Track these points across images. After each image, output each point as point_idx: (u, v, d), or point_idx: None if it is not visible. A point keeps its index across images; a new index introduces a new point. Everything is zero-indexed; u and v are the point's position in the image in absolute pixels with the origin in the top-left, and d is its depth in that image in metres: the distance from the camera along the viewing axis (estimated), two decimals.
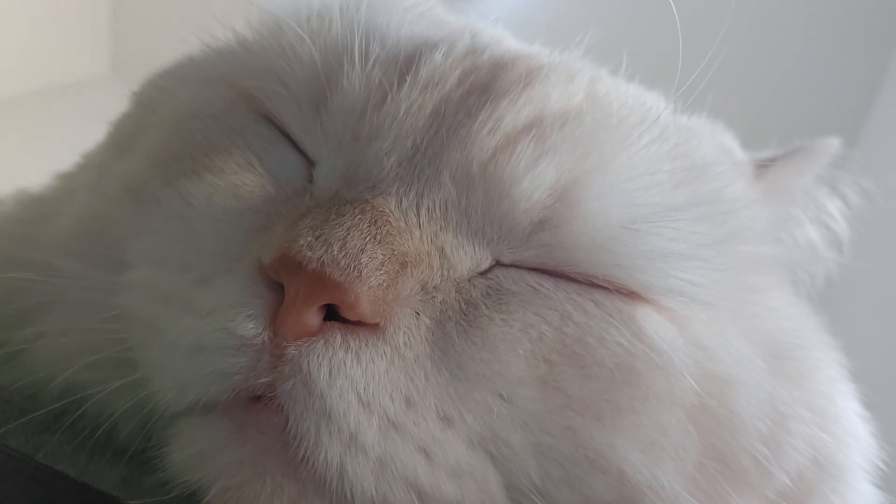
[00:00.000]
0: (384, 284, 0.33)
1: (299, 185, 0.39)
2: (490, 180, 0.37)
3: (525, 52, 0.44)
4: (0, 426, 0.39)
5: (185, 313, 0.35)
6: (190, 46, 0.50)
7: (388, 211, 0.36)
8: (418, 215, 0.36)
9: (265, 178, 0.40)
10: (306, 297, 0.33)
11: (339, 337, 0.33)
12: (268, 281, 0.34)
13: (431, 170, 0.37)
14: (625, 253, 0.36)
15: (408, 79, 0.39)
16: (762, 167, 0.49)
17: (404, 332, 0.34)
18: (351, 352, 0.33)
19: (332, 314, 0.33)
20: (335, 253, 0.33)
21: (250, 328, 0.33)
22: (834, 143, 0.52)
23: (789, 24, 1.97)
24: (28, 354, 0.42)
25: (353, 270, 0.33)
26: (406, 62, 0.40)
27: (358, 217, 0.34)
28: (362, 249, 0.33)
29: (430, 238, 0.36)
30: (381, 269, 0.33)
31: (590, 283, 0.37)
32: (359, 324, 0.33)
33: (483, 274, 0.37)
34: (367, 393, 0.33)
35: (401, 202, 0.36)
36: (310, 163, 0.40)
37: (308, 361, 0.32)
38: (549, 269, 0.37)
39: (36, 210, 0.49)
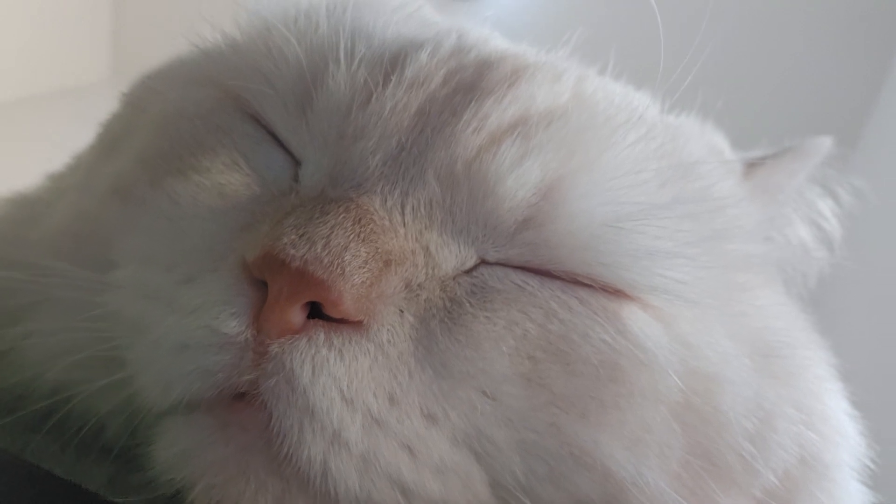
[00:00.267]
0: (368, 282, 0.33)
1: (285, 185, 0.40)
2: (475, 179, 0.37)
3: (512, 52, 0.44)
4: None
5: (169, 312, 0.35)
6: (183, 48, 0.50)
7: (372, 209, 0.36)
8: (403, 214, 0.36)
9: (251, 178, 0.40)
10: (289, 294, 0.33)
11: (322, 334, 0.33)
12: (252, 279, 0.34)
13: (416, 168, 0.37)
14: (609, 251, 0.36)
15: (393, 78, 0.39)
16: (752, 166, 0.49)
17: (388, 330, 0.34)
18: (334, 349, 0.33)
19: (315, 312, 0.33)
20: (318, 251, 0.33)
21: (233, 326, 0.33)
22: (826, 143, 0.51)
23: (790, 25, 1.97)
24: (16, 354, 0.42)
25: (337, 268, 0.33)
26: (391, 62, 0.40)
27: (342, 215, 0.35)
28: (346, 247, 0.33)
29: (414, 236, 0.36)
30: (364, 267, 0.33)
31: (575, 281, 0.37)
32: (342, 321, 0.34)
33: (468, 272, 0.37)
34: (351, 390, 0.33)
35: (385, 201, 0.36)
36: (296, 162, 0.40)
37: (291, 359, 0.33)
38: (533, 268, 0.37)
39: (26, 210, 0.50)
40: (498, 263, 0.37)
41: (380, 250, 0.34)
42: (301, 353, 0.33)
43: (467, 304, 0.36)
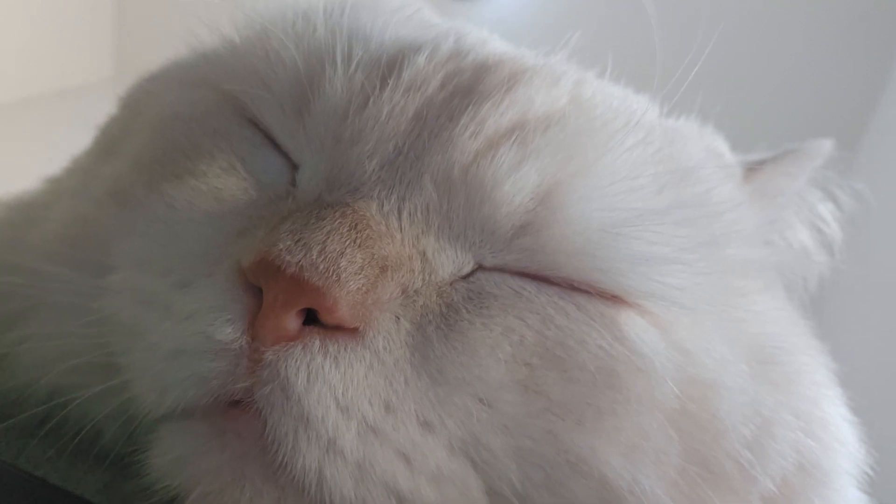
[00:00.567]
0: (363, 289, 0.33)
1: (282, 189, 0.39)
2: (472, 184, 0.36)
3: (510, 55, 0.44)
4: None
5: (165, 317, 0.35)
6: (180, 50, 0.50)
7: (368, 215, 0.35)
8: (399, 219, 0.36)
9: (248, 182, 0.40)
10: (285, 301, 0.33)
11: (317, 341, 0.33)
12: (247, 285, 0.34)
13: (413, 173, 0.37)
14: (606, 257, 0.36)
15: (390, 82, 0.39)
16: (752, 169, 0.49)
17: (384, 337, 0.34)
18: (329, 356, 0.33)
19: (311, 318, 0.33)
20: (314, 257, 0.33)
21: (228, 333, 0.33)
22: (826, 145, 0.51)
23: (790, 26, 1.97)
24: (12, 358, 0.42)
25: (332, 275, 0.32)
26: (389, 65, 0.39)
27: (338, 221, 0.34)
28: (342, 253, 0.33)
29: (411, 242, 0.36)
30: (360, 274, 0.33)
31: (572, 286, 0.37)
32: (338, 328, 0.33)
33: (465, 278, 0.37)
34: (346, 398, 0.33)
35: (382, 206, 0.36)
36: (293, 166, 0.40)
37: (286, 366, 0.32)
38: (531, 273, 0.37)
39: (23, 214, 0.50)
40: (495, 269, 0.37)
41: (376, 256, 0.34)
42: (296, 361, 0.32)
43: (464, 311, 0.35)
